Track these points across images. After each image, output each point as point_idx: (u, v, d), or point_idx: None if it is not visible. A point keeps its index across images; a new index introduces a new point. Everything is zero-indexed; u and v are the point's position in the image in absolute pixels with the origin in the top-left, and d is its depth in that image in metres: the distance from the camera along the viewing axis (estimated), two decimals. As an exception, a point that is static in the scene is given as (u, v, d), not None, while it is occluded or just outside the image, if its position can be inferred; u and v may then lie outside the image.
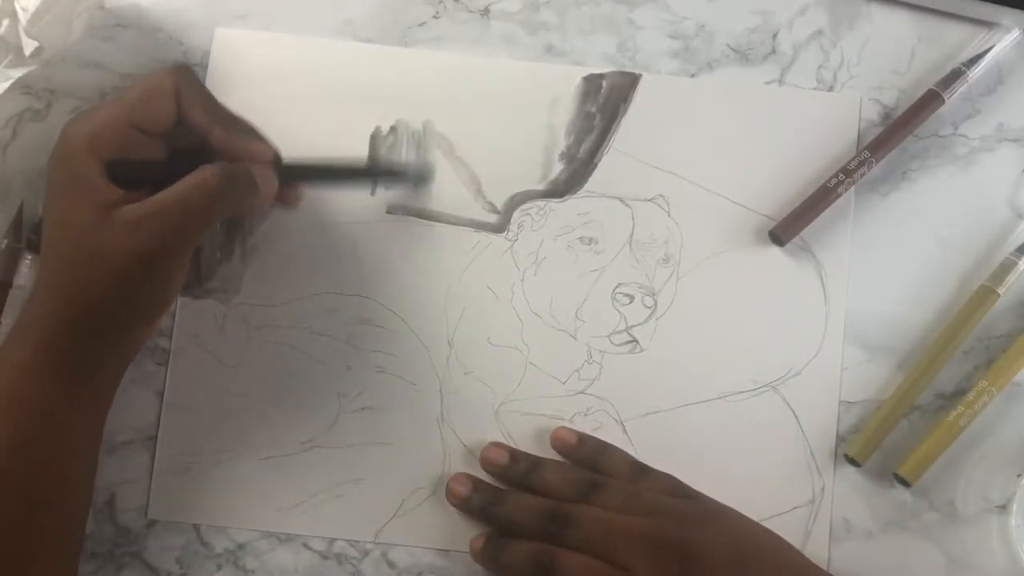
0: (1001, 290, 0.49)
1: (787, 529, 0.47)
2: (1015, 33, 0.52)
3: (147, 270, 0.42)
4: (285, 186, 0.46)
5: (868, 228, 0.51)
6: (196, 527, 0.49)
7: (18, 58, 0.47)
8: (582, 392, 0.50)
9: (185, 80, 0.44)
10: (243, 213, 0.49)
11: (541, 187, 0.51)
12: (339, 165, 0.49)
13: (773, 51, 0.53)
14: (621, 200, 0.51)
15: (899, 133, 0.51)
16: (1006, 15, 0.52)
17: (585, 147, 0.52)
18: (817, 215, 0.50)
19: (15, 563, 0.42)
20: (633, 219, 0.51)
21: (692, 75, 0.52)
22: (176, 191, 0.42)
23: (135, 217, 0.41)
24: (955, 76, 0.51)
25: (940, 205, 0.51)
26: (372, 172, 0.50)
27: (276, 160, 0.45)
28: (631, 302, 0.51)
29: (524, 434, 0.49)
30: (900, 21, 0.53)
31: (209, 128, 0.44)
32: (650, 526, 0.44)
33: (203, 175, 0.42)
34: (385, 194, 0.51)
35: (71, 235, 0.42)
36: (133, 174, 0.43)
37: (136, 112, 0.43)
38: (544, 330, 0.50)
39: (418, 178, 0.51)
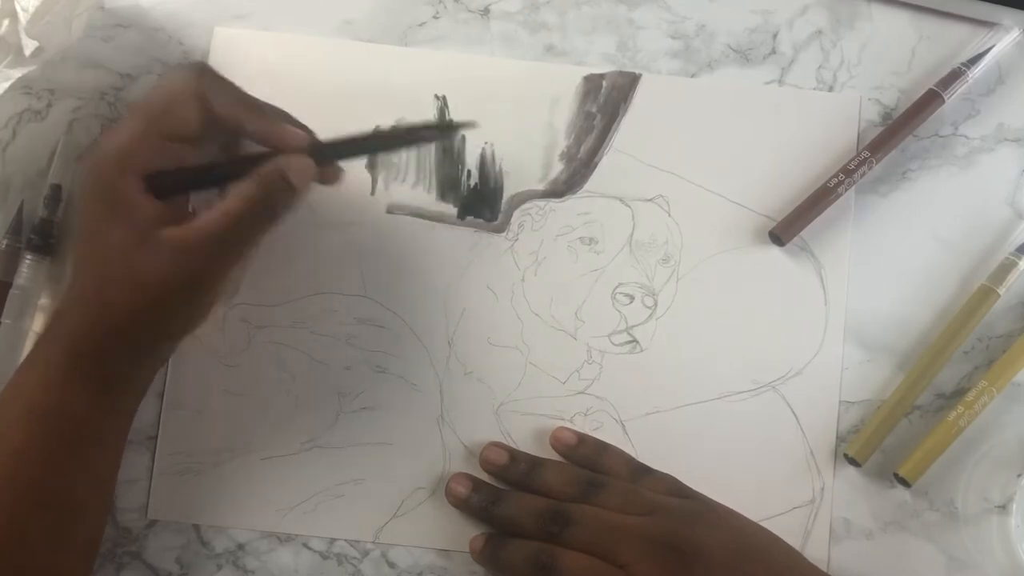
0: (1001, 290, 0.49)
1: (787, 529, 0.47)
2: (1015, 33, 0.52)
3: (186, 296, 0.42)
4: (323, 166, 0.45)
5: (868, 228, 0.51)
6: (196, 527, 0.49)
7: (18, 58, 0.47)
8: (582, 392, 0.50)
9: (206, 78, 0.43)
10: (282, 216, 0.47)
11: (541, 187, 0.52)
12: (371, 135, 0.48)
13: (773, 51, 0.53)
14: (621, 200, 0.51)
15: (899, 133, 0.51)
16: (1006, 15, 0.52)
17: (585, 147, 0.52)
18: (817, 215, 0.50)
19: (40, 568, 0.42)
20: (633, 219, 0.51)
21: (692, 75, 0.52)
22: (216, 215, 0.41)
23: (178, 244, 0.41)
24: (955, 76, 0.51)
25: (940, 205, 0.51)
26: (401, 135, 0.48)
27: (311, 143, 0.44)
28: (631, 302, 0.51)
29: (524, 434, 0.49)
30: (900, 21, 0.53)
31: (240, 122, 0.43)
32: (650, 525, 0.44)
33: (239, 197, 0.41)
34: (385, 194, 0.51)
35: (108, 256, 0.41)
36: (173, 183, 0.42)
37: (161, 122, 0.42)
38: (544, 330, 0.50)
39: (445, 128, 0.50)
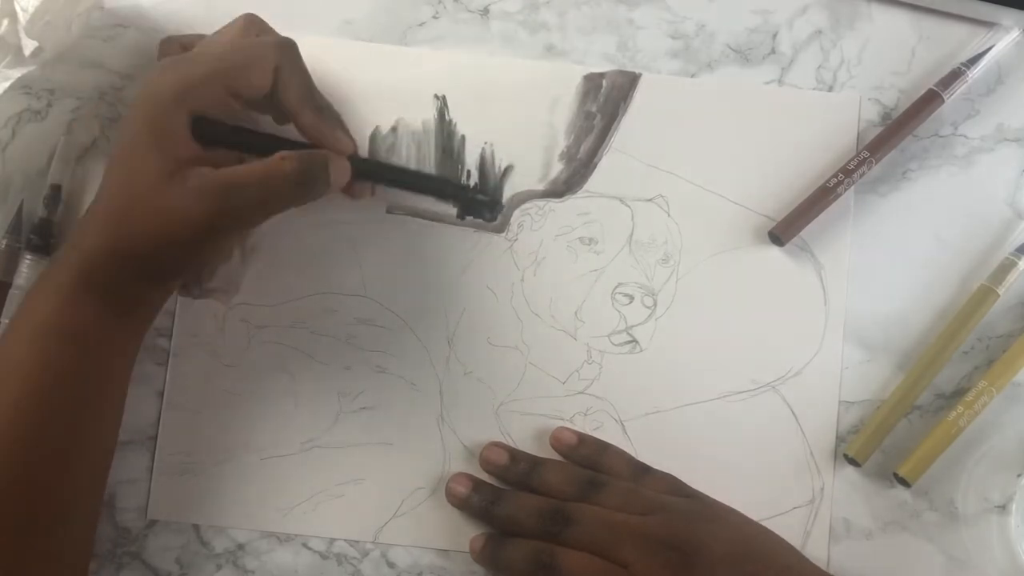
0: (1001, 290, 0.49)
1: (787, 529, 0.47)
2: (1015, 33, 0.52)
3: (203, 238, 0.42)
4: (356, 180, 0.47)
5: (868, 228, 0.51)
6: (196, 527, 0.49)
7: (18, 58, 0.47)
8: (582, 392, 0.50)
9: (288, 57, 0.44)
10: (306, 201, 0.47)
11: (541, 187, 0.52)
12: (412, 173, 0.50)
13: (773, 51, 0.53)
14: (621, 200, 0.51)
15: (899, 133, 0.51)
16: (1006, 15, 0.52)
17: (585, 147, 0.52)
18: (817, 215, 0.50)
19: (43, 488, 0.41)
20: (633, 219, 0.51)
21: (692, 75, 0.52)
22: (255, 170, 0.42)
23: (209, 184, 0.41)
24: (955, 76, 0.51)
25: (940, 205, 0.51)
26: (446, 190, 0.50)
27: (354, 156, 0.46)
28: (631, 302, 0.51)
29: (524, 434, 0.49)
30: (900, 21, 0.53)
31: (300, 110, 0.44)
32: (650, 524, 0.44)
33: (284, 163, 0.42)
34: (385, 194, 0.51)
35: (138, 181, 0.41)
36: (214, 134, 0.43)
37: (234, 76, 0.42)
38: (544, 330, 0.50)
39: (493, 206, 0.51)
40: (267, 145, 0.44)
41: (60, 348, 0.42)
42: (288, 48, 0.44)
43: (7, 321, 0.48)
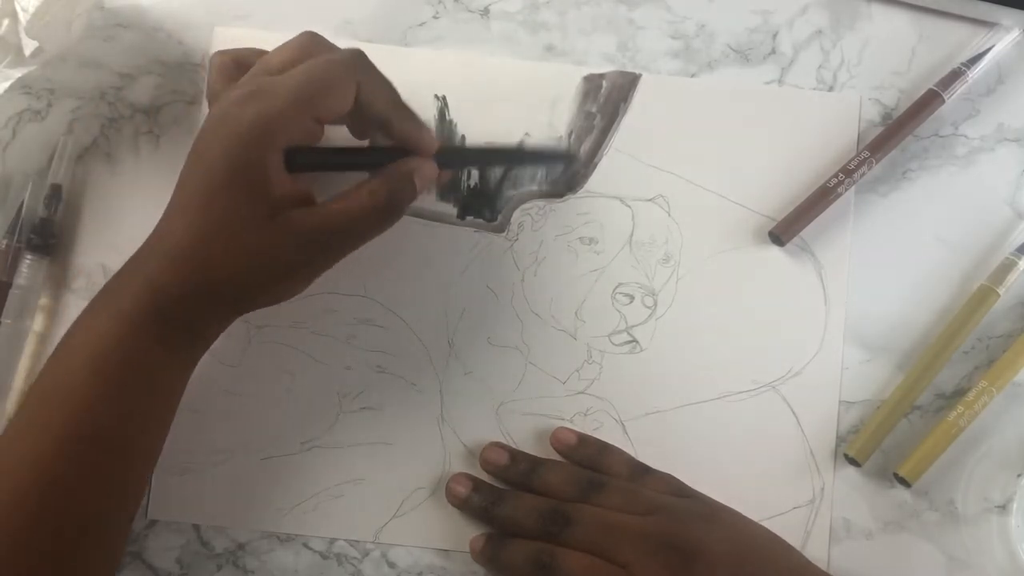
0: (1001, 290, 0.49)
1: (787, 529, 0.47)
2: (1015, 33, 0.52)
3: (291, 277, 0.42)
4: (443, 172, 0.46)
5: (868, 228, 0.51)
6: (196, 527, 0.49)
7: (18, 58, 0.47)
8: (582, 392, 0.50)
9: (365, 69, 0.43)
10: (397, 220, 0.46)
11: (541, 187, 0.51)
12: (494, 149, 0.51)
13: (773, 51, 0.53)
14: (621, 200, 0.51)
15: (899, 133, 0.51)
16: (1006, 15, 0.52)
17: (585, 147, 0.52)
18: (817, 215, 0.50)
19: (99, 519, 0.41)
20: (633, 219, 0.51)
21: (692, 75, 0.53)
22: (349, 210, 0.42)
23: (307, 229, 0.41)
24: (955, 76, 0.51)
25: (940, 205, 0.51)
26: (524, 155, 0.51)
27: (440, 148, 0.45)
28: (631, 302, 0.51)
29: (524, 434, 0.49)
30: (900, 21, 0.53)
31: (391, 118, 0.43)
32: (650, 525, 0.44)
33: (375, 197, 0.42)
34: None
35: (231, 223, 0.40)
36: (302, 162, 0.42)
37: (318, 103, 0.41)
38: (544, 330, 0.50)
39: (568, 157, 0.51)
40: (358, 159, 0.44)
41: (121, 379, 0.41)
42: (362, 60, 0.43)
43: (9, 322, 0.48)
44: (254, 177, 0.40)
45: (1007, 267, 0.50)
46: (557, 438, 0.49)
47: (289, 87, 0.41)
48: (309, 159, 0.42)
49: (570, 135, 0.52)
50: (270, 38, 0.53)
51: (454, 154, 0.48)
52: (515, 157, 0.51)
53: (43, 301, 0.50)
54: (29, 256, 0.49)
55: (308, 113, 0.41)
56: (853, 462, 0.49)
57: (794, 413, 0.50)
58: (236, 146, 0.40)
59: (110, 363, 0.41)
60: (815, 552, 0.48)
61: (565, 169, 0.51)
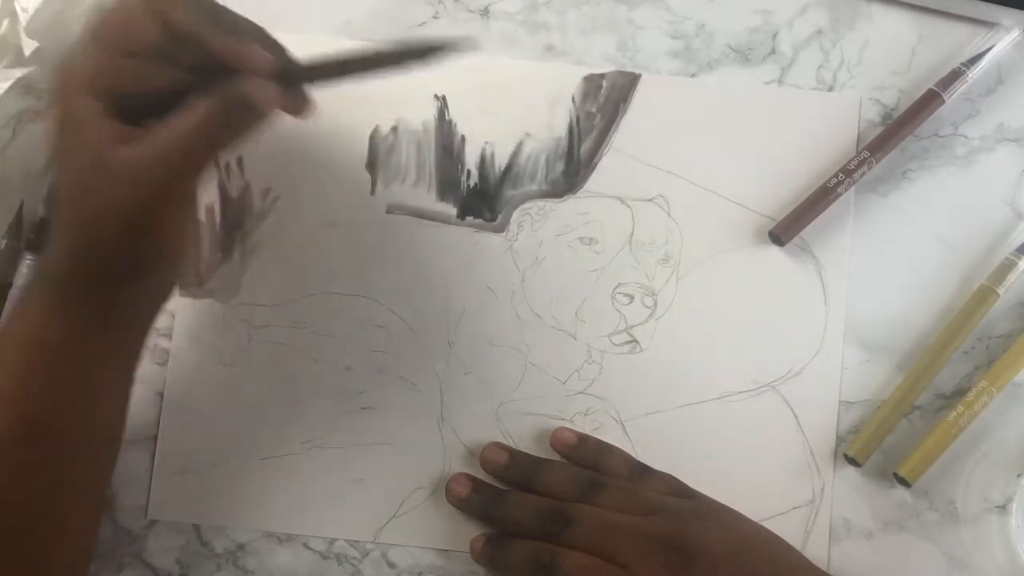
0: (1001, 290, 0.49)
1: (787, 529, 0.47)
2: (1015, 33, 0.52)
3: (150, 217, 0.40)
4: (293, 94, 0.41)
5: (868, 228, 0.51)
6: (196, 527, 0.49)
7: (18, 58, 0.47)
8: (582, 392, 0.50)
9: None
10: (242, 138, 0.44)
11: (541, 187, 0.51)
12: (347, 58, 0.42)
13: (773, 51, 0.53)
14: (621, 200, 0.51)
15: (899, 133, 0.51)
16: (1006, 15, 0.52)
17: (585, 147, 0.52)
18: (817, 215, 0.50)
19: (46, 515, 0.41)
20: (633, 219, 0.51)
21: (692, 75, 0.52)
22: (171, 132, 0.39)
23: (132, 161, 0.39)
24: (955, 76, 0.51)
25: (940, 205, 0.51)
26: (377, 58, 0.42)
27: (280, 67, 0.40)
28: (631, 302, 0.51)
29: (524, 434, 0.49)
30: (900, 21, 0.53)
31: (199, 36, 0.39)
32: (650, 525, 0.44)
33: (196, 112, 0.39)
34: (385, 194, 0.51)
35: (74, 179, 0.40)
36: (139, 106, 0.40)
37: (117, 39, 0.39)
38: (544, 330, 0.50)
39: (426, 52, 0.42)
40: (190, 92, 0.40)
41: (53, 362, 0.41)
42: None
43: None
44: (72, 128, 0.39)
45: (1007, 267, 0.50)
46: (557, 438, 0.49)
47: (89, 32, 0.40)
48: (134, 103, 0.40)
49: (569, 134, 0.52)
50: (270, 38, 0.53)
51: (296, 70, 0.41)
52: (365, 62, 0.42)
53: (43, 301, 0.50)
54: (29, 256, 0.49)
55: (110, 52, 0.39)
56: (853, 462, 0.49)
57: (794, 413, 0.50)
58: (56, 104, 0.40)
59: (35, 347, 0.40)
60: (815, 552, 0.48)
61: (565, 168, 0.51)
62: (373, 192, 0.51)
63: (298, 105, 0.42)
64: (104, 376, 0.43)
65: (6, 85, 0.46)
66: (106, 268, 0.41)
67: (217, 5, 0.41)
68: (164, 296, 0.44)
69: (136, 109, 0.40)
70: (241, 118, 0.41)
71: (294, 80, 0.41)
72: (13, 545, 0.40)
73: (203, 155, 0.41)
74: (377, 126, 0.52)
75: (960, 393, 0.49)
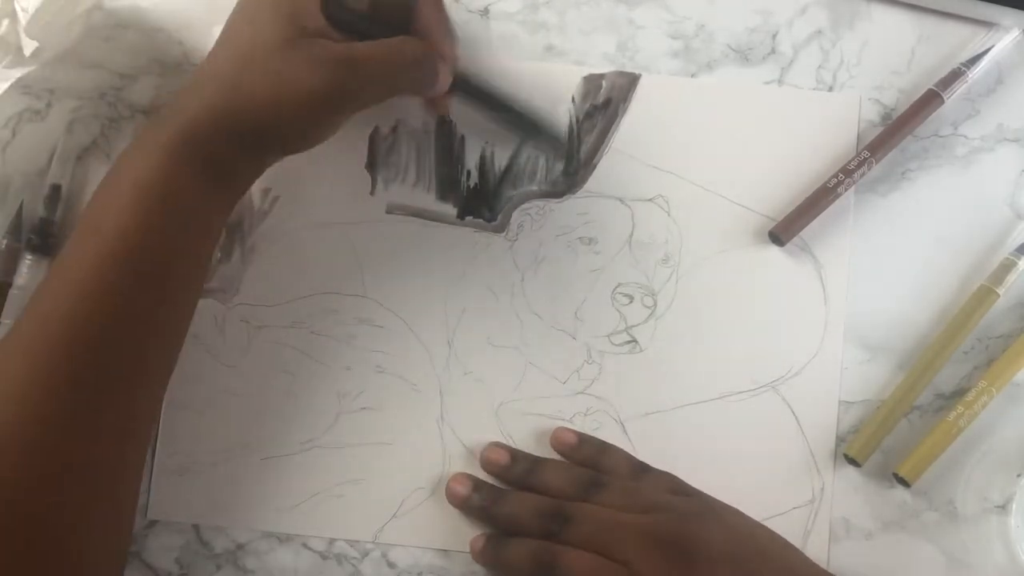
0: (1001, 290, 0.49)
1: (787, 529, 0.47)
2: (1015, 33, 0.52)
3: (316, 110, 0.42)
4: (450, 92, 0.47)
5: (868, 228, 0.51)
6: (196, 527, 0.49)
7: (18, 58, 0.47)
8: (582, 392, 0.50)
9: None
10: (417, 91, 0.48)
11: (541, 187, 0.52)
12: (508, 103, 0.49)
13: (773, 51, 0.53)
14: (621, 200, 0.51)
15: (899, 133, 0.51)
16: (1006, 15, 0.52)
17: (585, 147, 0.52)
18: (817, 215, 0.50)
19: (137, 350, 0.41)
20: (633, 219, 0.51)
21: (692, 75, 0.53)
22: (377, 49, 0.42)
23: (330, 55, 0.41)
24: (955, 76, 0.51)
25: (940, 205, 0.51)
26: (529, 125, 0.50)
27: (457, 68, 0.47)
28: (631, 302, 0.51)
29: (524, 434, 0.49)
30: (900, 21, 0.53)
31: (425, 10, 0.44)
32: (650, 523, 0.44)
33: (406, 46, 0.43)
34: (385, 194, 0.51)
35: (257, 44, 0.41)
36: (341, 17, 0.43)
37: None
38: (544, 330, 0.50)
39: (559, 146, 0.51)
40: (383, 32, 0.44)
41: (156, 207, 0.41)
42: None
43: (8, 322, 0.48)
44: (288, 6, 0.41)
45: (1007, 267, 0.50)
46: (557, 438, 0.49)
47: None
48: (343, 15, 0.43)
49: (569, 134, 0.52)
50: (270, 38, 0.53)
51: (466, 79, 0.48)
52: (518, 119, 0.50)
53: (43, 301, 0.50)
54: (29, 256, 0.49)
55: None
56: (853, 462, 0.49)
57: (794, 413, 0.50)
58: None
59: (146, 193, 0.41)
60: (815, 552, 0.48)
61: (565, 168, 0.51)
62: (373, 192, 0.51)
63: (441, 103, 0.49)
64: (205, 234, 0.43)
65: (6, 85, 0.46)
66: (241, 134, 0.42)
67: None
68: (261, 172, 0.45)
69: (335, 15, 0.43)
70: (424, 79, 0.45)
71: (457, 82, 0.47)
72: (98, 389, 0.40)
73: (391, 82, 0.44)
74: (377, 126, 0.52)
75: (960, 393, 0.49)
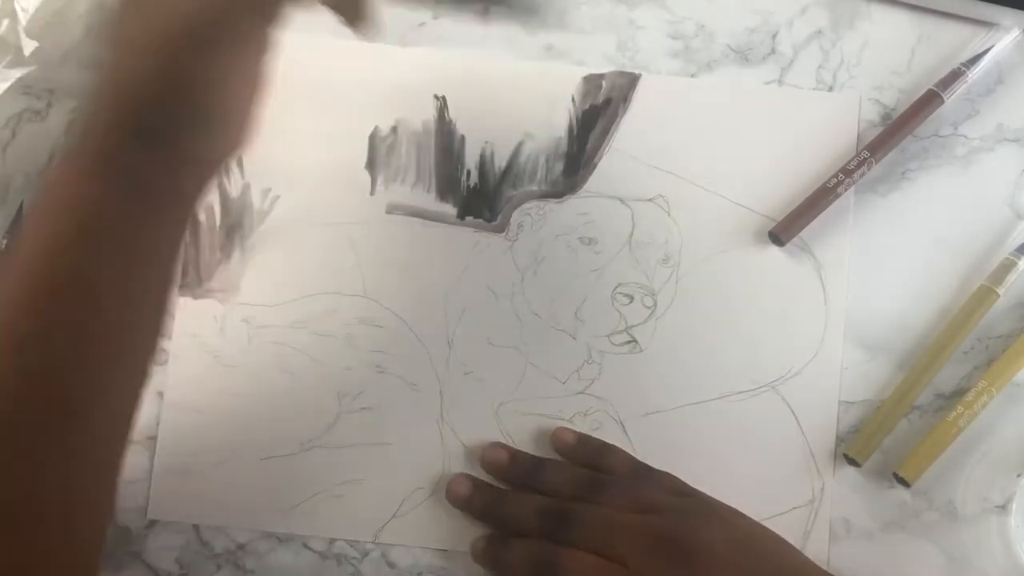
0: (1001, 290, 0.49)
1: (787, 529, 0.47)
2: (1015, 33, 0.52)
3: (193, 44, 0.37)
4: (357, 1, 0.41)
5: (868, 228, 0.51)
6: (196, 527, 0.49)
7: (18, 58, 0.47)
8: (582, 392, 0.50)
9: None
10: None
11: (541, 187, 0.52)
12: None
13: (773, 51, 0.53)
14: (621, 200, 0.51)
15: (899, 133, 0.51)
16: (1006, 15, 0.52)
17: (585, 147, 0.52)
18: (817, 215, 0.50)
19: (82, 369, 0.38)
20: (633, 219, 0.51)
21: (692, 75, 0.53)
22: None
23: None
24: (955, 76, 0.51)
25: (940, 205, 0.51)
26: None
27: None
28: (631, 302, 0.51)
29: (524, 434, 0.49)
30: (900, 21, 0.53)
31: None
32: (651, 523, 0.44)
33: None
34: (385, 194, 0.51)
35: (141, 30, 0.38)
36: None
37: None
38: (544, 330, 0.50)
39: (527, 6, 0.44)
40: None
41: (87, 222, 0.38)
42: None
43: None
44: None
45: (1007, 267, 0.50)
46: (557, 438, 0.49)
47: None
48: None
49: (569, 134, 0.52)
50: (270, 38, 0.52)
51: None
52: None
53: (43, 301, 0.50)
54: (29, 256, 0.49)
55: None
56: (853, 462, 0.49)
57: (794, 413, 0.50)
58: None
59: (60, 217, 0.38)
60: (815, 552, 0.48)
61: (565, 168, 0.51)
62: (373, 192, 0.51)
63: (358, 13, 0.42)
64: (149, 242, 0.40)
65: (6, 85, 0.46)
66: (147, 128, 0.38)
67: None
68: (211, 170, 0.41)
69: None
70: None
71: None
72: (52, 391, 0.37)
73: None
74: (377, 126, 0.52)
75: (960, 393, 0.49)
